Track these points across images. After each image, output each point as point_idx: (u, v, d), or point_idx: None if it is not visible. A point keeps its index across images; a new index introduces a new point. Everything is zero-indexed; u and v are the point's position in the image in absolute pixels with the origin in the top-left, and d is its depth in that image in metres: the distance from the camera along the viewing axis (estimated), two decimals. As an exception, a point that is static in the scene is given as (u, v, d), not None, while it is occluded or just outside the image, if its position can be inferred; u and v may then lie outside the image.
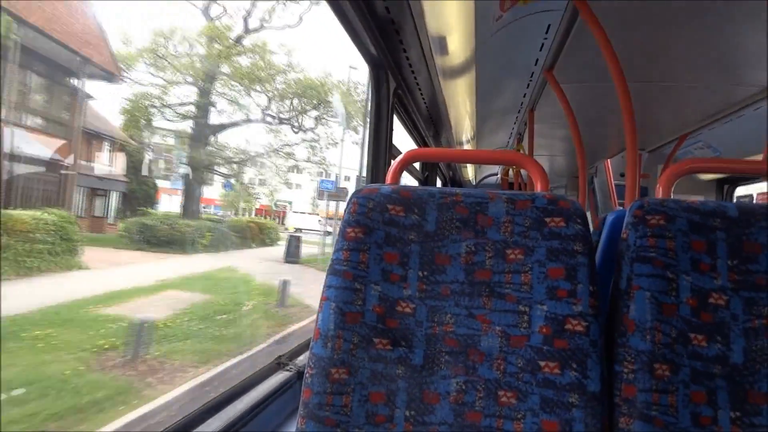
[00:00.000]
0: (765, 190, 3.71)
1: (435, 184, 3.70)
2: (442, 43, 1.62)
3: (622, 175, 3.77)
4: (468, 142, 3.10)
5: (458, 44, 1.66)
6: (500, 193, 0.82)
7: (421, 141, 2.76)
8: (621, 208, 2.48)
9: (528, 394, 0.73)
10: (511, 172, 3.56)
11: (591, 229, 1.22)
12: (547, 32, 1.69)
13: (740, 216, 0.76)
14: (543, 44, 1.77)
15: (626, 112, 1.56)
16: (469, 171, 5.34)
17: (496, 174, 5.41)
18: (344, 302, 0.78)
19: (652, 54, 1.80)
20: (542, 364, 0.73)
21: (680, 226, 0.77)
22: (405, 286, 0.79)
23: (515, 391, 0.73)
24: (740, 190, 3.77)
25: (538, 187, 0.88)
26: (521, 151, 3.16)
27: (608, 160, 3.66)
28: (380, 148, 1.72)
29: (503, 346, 0.75)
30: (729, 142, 2.84)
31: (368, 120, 1.78)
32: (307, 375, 0.78)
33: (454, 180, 5.63)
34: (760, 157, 2.57)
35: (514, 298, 0.76)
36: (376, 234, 0.81)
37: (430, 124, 2.87)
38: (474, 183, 6.15)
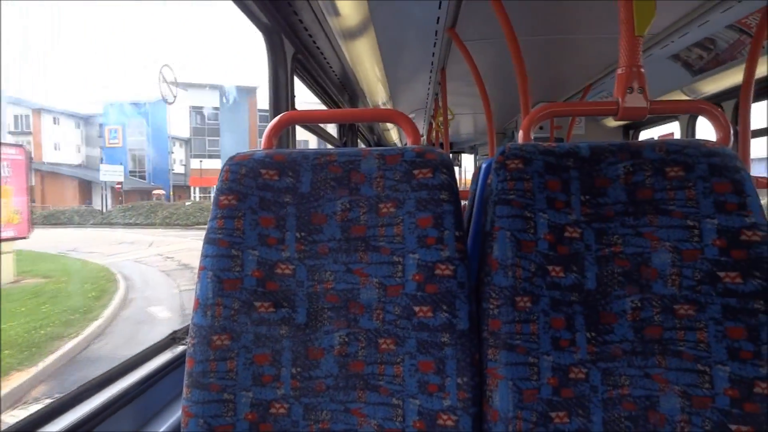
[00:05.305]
0: (668, 132, 4.02)
1: None
2: (334, 5, 1.57)
3: (542, 127, 3.95)
4: (384, 105, 3.08)
5: (351, 5, 1.62)
6: (373, 149, 0.84)
7: (335, 108, 2.71)
8: None
9: (405, 339, 0.77)
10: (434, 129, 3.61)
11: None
12: None
13: (591, 155, 0.82)
14: (441, 2, 1.77)
15: (518, 67, 1.61)
16: (393, 134, 5.34)
17: (423, 135, 5.46)
18: (221, 270, 0.79)
19: (551, 8, 1.85)
20: (417, 309, 0.77)
21: (537, 168, 0.81)
22: (283, 249, 0.80)
23: (394, 337, 0.77)
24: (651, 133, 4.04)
25: (410, 141, 0.89)
26: (439, 112, 3.20)
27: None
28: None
29: (381, 297, 0.78)
30: None
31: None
32: (189, 345, 0.78)
33: (380, 144, 5.61)
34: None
35: (389, 250, 0.79)
36: (250, 200, 0.81)
37: (343, 90, 2.81)
38: (400, 146, 6.13)
